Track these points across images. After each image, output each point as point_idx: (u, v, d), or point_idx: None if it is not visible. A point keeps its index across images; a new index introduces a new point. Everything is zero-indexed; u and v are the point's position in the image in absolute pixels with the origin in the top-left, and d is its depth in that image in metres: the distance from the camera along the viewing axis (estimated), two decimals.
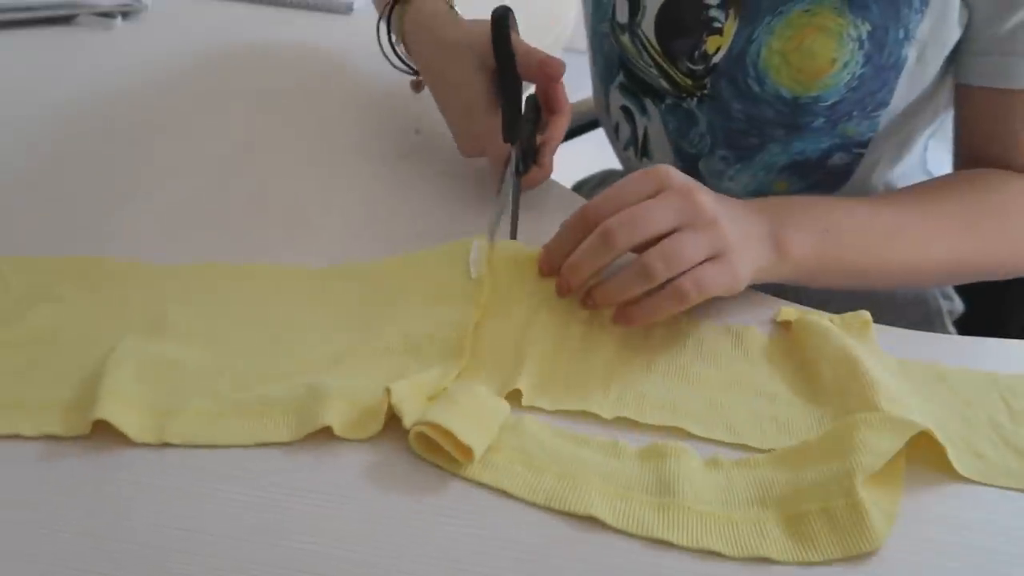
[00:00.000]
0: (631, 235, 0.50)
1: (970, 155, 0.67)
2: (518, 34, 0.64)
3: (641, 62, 0.72)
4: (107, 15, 0.96)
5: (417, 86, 0.76)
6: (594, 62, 0.81)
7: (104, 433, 0.44)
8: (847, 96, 0.63)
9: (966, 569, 0.40)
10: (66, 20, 0.96)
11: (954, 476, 0.45)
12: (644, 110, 0.76)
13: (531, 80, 0.63)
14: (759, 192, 0.72)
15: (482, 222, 0.59)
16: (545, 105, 0.65)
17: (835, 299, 0.59)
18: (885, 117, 0.66)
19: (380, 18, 0.75)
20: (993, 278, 0.65)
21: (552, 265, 0.55)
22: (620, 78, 0.77)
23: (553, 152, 0.66)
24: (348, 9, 1.00)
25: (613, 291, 0.52)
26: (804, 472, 0.44)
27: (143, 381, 0.47)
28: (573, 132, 1.04)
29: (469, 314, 0.52)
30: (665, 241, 0.50)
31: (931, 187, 0.65)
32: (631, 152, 0.81)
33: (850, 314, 0.55)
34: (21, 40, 0.92)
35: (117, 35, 0.94)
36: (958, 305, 0.80)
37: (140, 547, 0.39)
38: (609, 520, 0.41)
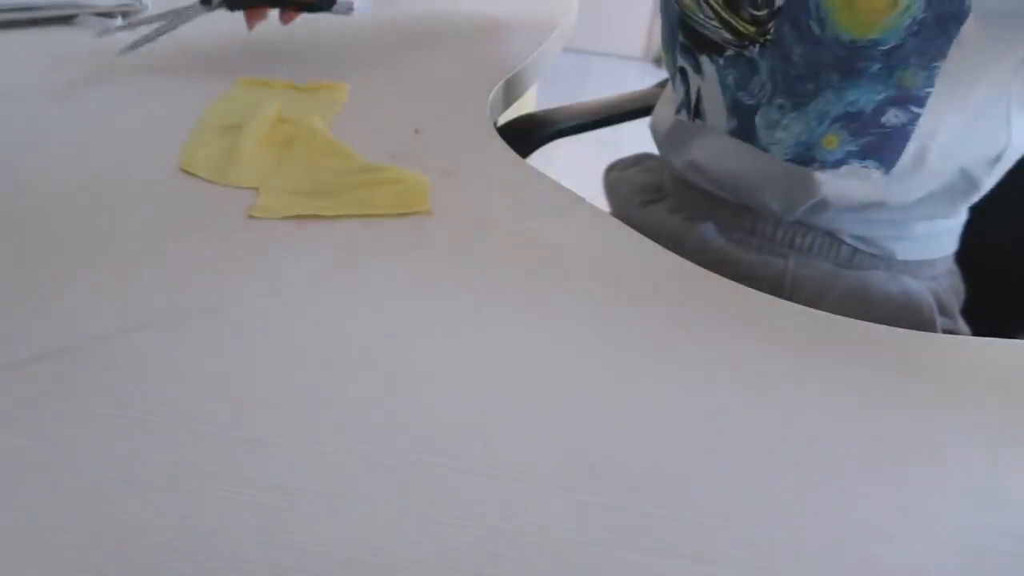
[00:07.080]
0: None
1: None
2: None
3: (701, 16, 0.74)
4: (107, 15, 0.96)
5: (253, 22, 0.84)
6: (662, 31, 0.84)
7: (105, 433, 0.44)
8: (906, 40, 0.64)
9: (966, 569, 0.41)
10: (66, 20, 0.96)
11: (954, 476, 0.45)
12: (699, 69, 0.77)
13: None
14: (809, 143, 0.72)
15: (482, 222, 0.59)
16: None
17: (830, 295, 0.59)
18: (943, 72, 0.65)
19: None
20: None
21: None
22: (680, 38, 0.79)
23: None
24: (348, 9, 1.00)
25: None
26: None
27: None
28: (573, 131, 1.04)
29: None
30: None
31: None
32: (683, 114, 0.82)
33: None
34: (21, 40, 0.92)
35: (117, 35, 0.94)
36: (963, 328, 0.78)
37: (140, 548, 0.39)
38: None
